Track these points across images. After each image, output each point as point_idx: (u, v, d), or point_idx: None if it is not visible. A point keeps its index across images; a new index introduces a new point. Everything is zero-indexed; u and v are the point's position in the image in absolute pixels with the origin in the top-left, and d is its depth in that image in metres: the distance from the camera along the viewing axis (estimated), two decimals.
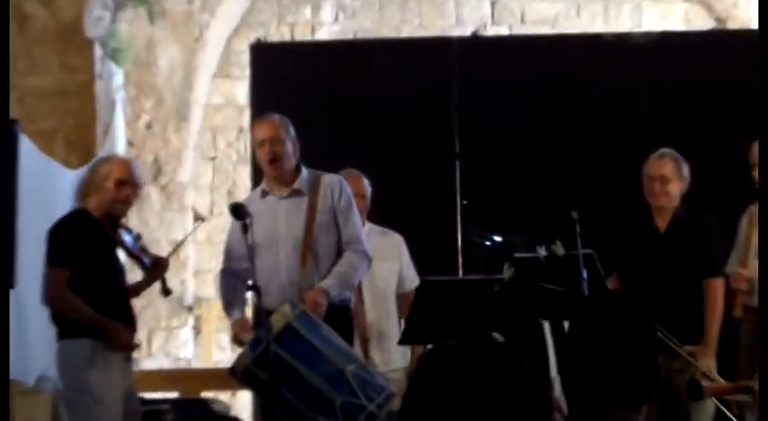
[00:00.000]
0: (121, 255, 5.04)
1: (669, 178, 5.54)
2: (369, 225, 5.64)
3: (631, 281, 5.59)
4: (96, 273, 4.73)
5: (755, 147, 5.36)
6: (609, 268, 5.57)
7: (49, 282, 4.67)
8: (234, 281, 5.07)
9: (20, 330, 5.17)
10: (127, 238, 4.95)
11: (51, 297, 4.68)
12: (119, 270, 4.92)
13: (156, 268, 5.03)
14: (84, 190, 4.85)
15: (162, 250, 8.86)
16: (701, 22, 9.34)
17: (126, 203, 4.89)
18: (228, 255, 5.15)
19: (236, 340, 5.04)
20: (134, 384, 4.92)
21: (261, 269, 4.83)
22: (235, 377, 4.60)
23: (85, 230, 4.76)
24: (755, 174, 5.36)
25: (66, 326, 4.70)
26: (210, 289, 8.91)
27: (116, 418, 4.68)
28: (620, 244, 5.67)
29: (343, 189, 5.09)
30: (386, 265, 5.55)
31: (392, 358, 5.51)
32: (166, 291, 5.09)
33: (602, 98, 7.23)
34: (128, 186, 4.86)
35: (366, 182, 5.68)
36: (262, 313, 4.52)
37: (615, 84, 7.24)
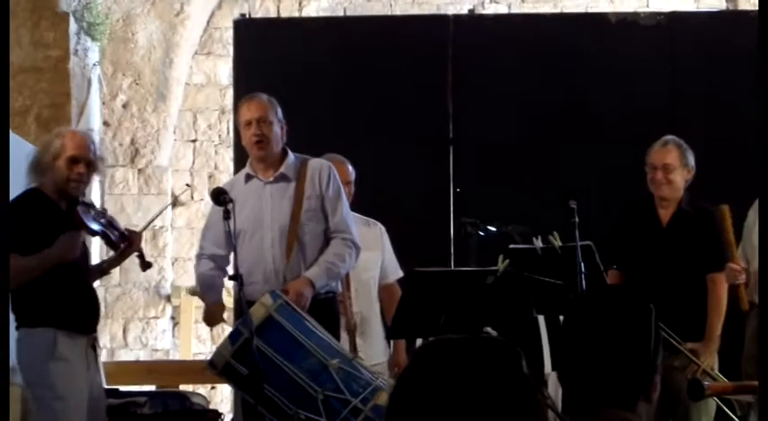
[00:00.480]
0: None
1: (673, 166, 5.57)
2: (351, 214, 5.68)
3: (632, 274, 5.64)
4: None
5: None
6: (610, 261, 5.65)
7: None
8: (210, 265, 5.14)
9: None
10: (88, 216, 4.87)
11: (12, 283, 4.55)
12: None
13: (126, 244, 5.01)
14: (37, 167, 4.81)
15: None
16: (711, 1, 9.39)
17: (80, 182, 4.83)
18: (206, 240, 5.21)
19: (206, 318, 5.11)
20: (100, 375, 4.90)
21: (244, 257, 4.88)
22: (215, 371, 4.65)
23: (37, 212, 4.72)
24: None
25: (26, 313, 4.67)
26: (190, 278, 8.96)
27: (79, 414, 4.65)
28: (622, 236, 5.72)
29: (331, 175, 5.13)
30: (369, 255, 5.58)
31: (374, 351, 5.57)
32: (145, 265, 5.11)
33: (607, 81, 7.27)
34: (81, 164, 4.80)
35: (351, 168, 5.71)
36: (244, 304, 4.54)
37: (620, 66, 7.28)
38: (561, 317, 5.76)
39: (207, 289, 5.17)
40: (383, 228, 5.82)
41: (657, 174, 5.58)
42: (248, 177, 5.18)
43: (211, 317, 5.10)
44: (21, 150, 6.05)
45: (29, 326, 4.67)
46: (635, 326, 2.32)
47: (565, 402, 5.88)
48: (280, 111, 5.17)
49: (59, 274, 4.70)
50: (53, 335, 4.63)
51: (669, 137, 5.67)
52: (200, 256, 5.27)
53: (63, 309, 4.70)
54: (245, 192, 5.09)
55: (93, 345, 4.83)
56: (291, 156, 5.17)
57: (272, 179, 5.11)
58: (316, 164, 5.18)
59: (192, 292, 8.28)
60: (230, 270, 4.96)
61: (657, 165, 5.58)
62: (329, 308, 5.05)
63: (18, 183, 4.84)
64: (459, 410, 1.74)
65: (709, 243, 5.53)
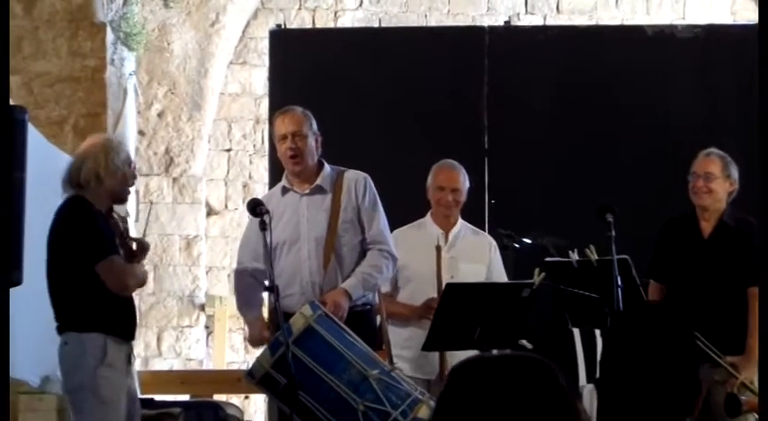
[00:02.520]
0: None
1: (714, 175, 5.56)
2: (461, 223, 5.65)
3: (673, 287, 5.61)
4: None
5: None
6: (650, 274, 5.60)
7: (116, 273, 4.64)
8: (249, 281, 5.13)
9: (23, 328, 5.18)
10: (120, 224, 4.91)
11: (123, 285, 4.68)
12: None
13: (141, 251, 4.99)
14: (90, 176, 4.74)
15: (173, 246, 8.96)
16: (748, 14, 9.32)
17: (130, 187, 4.91)
18: (244, 254, 5.21)
19: (251, 340, 5.08)
20: (135, 383, 4.92)
21: (281, 269, 4.91)
22: (252, 381, 4.63)
23: (99, 220, 4.72)
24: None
25: (77, 317, 4.65)
26: (224, 287, 8.97)
27: (120, 419, 4.66)
28: (664, 249, 5.69)
29: (367, 186, 5.14)
30: (471, 267, 5.55)
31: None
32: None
33: (643, 94, 7.23)
34: (131, 168, 4.88)
35: (463, 174, 5.66)
36: (280, 315, 4.55)
37: (656, 79, 7.24)
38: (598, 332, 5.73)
39: (245, 305, 5.15)
40: (492, 242, 5.75)
41: (699, 182, 5.57)
42: (285, 190, 5.19)
43: (254, 338, 5.05)
44: (60, 161, 6.07)
45: (79, 330, 4.65)
46: (680, 340, 2.28)
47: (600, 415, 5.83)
48: (314, 123, 5.17)
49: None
50: (103, 340, 4.64)
51: (714, 149, 5.66)
52: (237, 272, 5.26)
53: (112, 314, 4.71)
54: (282, 205, 5.11)
55: (130, 354, 4.84)
56: (327, 167, 5.18)
57: (308, 191, 5.12)
58: (352, 175, 5.18)
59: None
60: (267, 282, 4.95)
61: (699, 174, 5.58)
62: (365, 319, 5.04)
63: (58, 193, 4.86)
64: None
65: (751, 256, 5.48)
